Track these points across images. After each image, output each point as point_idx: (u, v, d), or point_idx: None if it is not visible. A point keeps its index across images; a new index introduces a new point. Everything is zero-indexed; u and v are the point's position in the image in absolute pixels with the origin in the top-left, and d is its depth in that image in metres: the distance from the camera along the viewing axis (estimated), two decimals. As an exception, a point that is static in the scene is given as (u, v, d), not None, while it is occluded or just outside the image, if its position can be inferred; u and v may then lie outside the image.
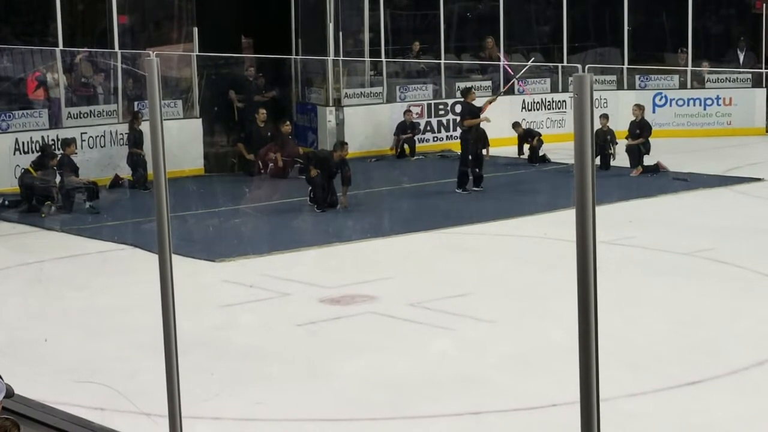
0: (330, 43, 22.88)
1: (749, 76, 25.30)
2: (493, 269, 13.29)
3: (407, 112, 22.93)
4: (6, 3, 21.04)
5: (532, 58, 23.80)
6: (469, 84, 24.13)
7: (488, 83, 24.73)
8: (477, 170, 18.56)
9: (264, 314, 11.57)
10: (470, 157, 18.44)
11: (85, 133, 19.58)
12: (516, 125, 22.60)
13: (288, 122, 21.12)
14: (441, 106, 23.64)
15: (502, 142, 22.23)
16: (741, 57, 26.02)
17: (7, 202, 17.50)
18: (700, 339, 10.36)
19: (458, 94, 22.76)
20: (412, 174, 20.12)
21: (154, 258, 5.16)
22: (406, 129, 22.77)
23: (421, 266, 13.64)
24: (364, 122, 22.89)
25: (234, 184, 19.60)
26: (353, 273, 13.07)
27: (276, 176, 20.10)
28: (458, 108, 21.81)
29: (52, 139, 18.87)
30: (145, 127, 18.71)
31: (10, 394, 4.80)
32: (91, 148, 19.56)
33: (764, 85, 25.48)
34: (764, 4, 26.09)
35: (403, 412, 8.67)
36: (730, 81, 25.46)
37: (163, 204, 4.75)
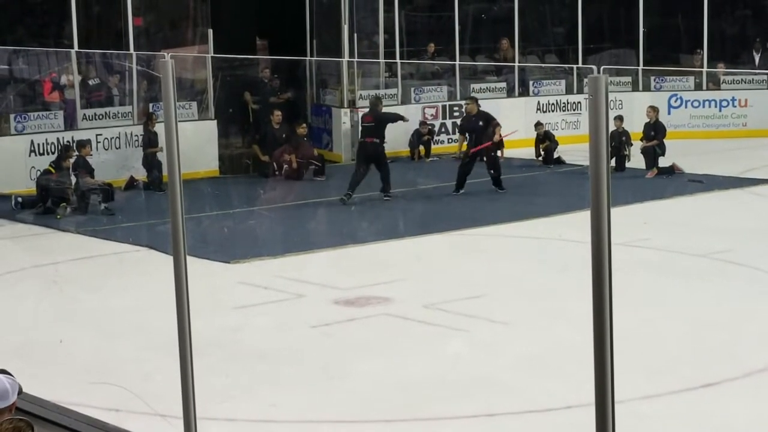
0: (345, 44, 22.84)
1: (765, 77, 25.19)
2: (507, 271, 13.27)
3: (423, 123, 22.79)
4: (21, 4, 21.09)
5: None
6: (483, 85, 24.14)
7: (503, 84, 24.70)
8: (491, 172, 18.58)
9: (278, 316, 11.58)
10: (484, 159, 18.52)
11: (101, 134, 19.60)
12: (538, 125, 22.43)
13: (303, 124, 21.14)
14: (456, 108, 23.58)
15: (517, 144, 22.18)
16: (756, 58, 25.92)
17: (21, 203, 17.52)
18: (715, 341, 10.33)
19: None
20: (427, 175, 20.10)
21: (168, 259, 5.17)
22: (422, 136, 22.68)
23: (436, 268, 13.62)
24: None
25: (249, 186, 19.61)
26: (367, 274, 13.06)
27: (291, 178, 20.10)
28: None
29: (68, 141, 18.87)
30: (159, 128, 18.73)
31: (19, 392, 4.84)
32: (107, 149, 19.59)
33: (780, 87, 25.40)
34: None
35: (418, 414, 8.67)
36: (745, 82, 25.36)
37: (177, 205, 4.75)
